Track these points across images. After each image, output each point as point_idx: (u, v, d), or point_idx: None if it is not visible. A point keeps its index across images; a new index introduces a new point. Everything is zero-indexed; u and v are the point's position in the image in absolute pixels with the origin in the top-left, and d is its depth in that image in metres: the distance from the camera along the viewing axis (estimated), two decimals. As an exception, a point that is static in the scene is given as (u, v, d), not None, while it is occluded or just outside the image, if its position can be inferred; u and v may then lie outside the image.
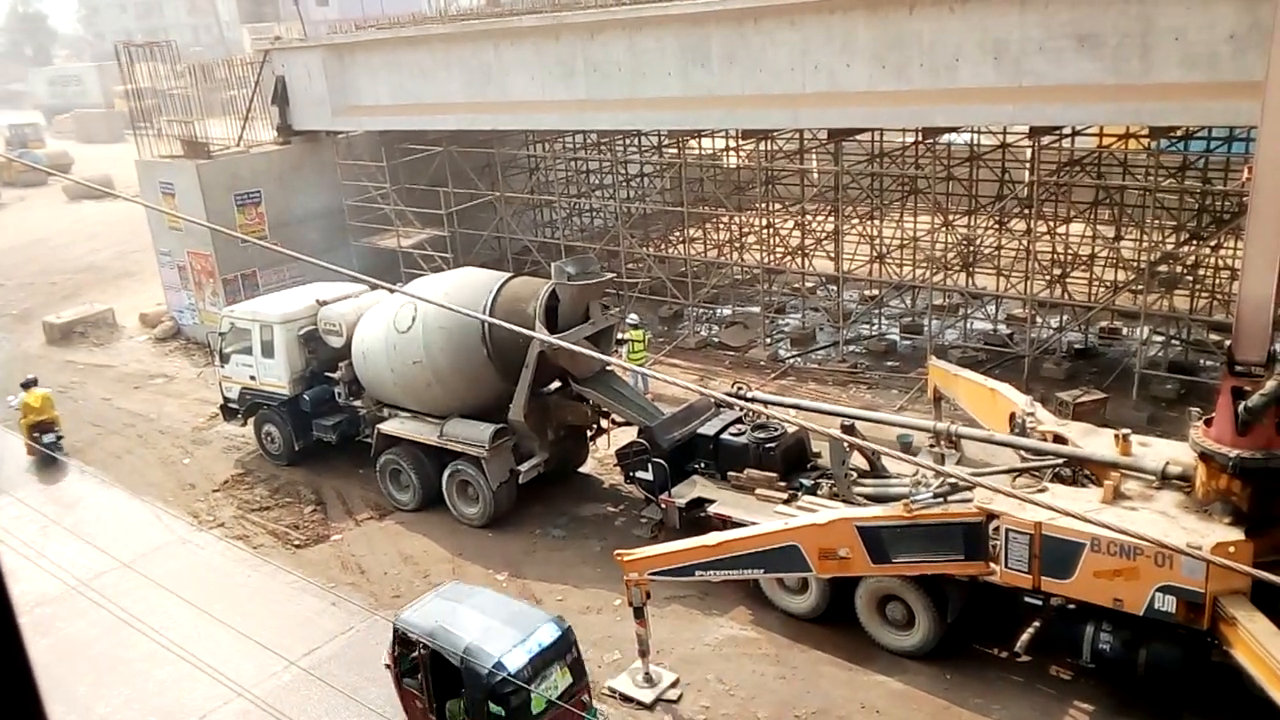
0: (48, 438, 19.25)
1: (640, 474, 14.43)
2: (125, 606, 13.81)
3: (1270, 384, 9.49)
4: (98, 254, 36.27)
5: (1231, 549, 9.41)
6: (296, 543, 16.17)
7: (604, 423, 16.77)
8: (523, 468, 15.82)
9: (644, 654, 11.74)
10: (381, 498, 17.10)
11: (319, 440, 18.34)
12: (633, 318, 20.25)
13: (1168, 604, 9.68)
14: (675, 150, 25.71)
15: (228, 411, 19.38)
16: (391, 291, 16.40)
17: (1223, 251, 19.89)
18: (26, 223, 42.22)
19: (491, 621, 10.15)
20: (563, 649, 10.09)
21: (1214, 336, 18.91)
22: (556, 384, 16.65)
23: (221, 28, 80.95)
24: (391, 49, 24.00)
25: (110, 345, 27.15)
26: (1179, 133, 19.01)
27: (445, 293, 15.84)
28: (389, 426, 16.76)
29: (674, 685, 11.84)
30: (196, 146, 24.67)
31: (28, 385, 19.68)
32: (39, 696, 1.41)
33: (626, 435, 15.56)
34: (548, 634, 10.04)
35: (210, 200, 23.95)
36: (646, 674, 11.81)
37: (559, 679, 10.03)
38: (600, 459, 17.43)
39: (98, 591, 14.31)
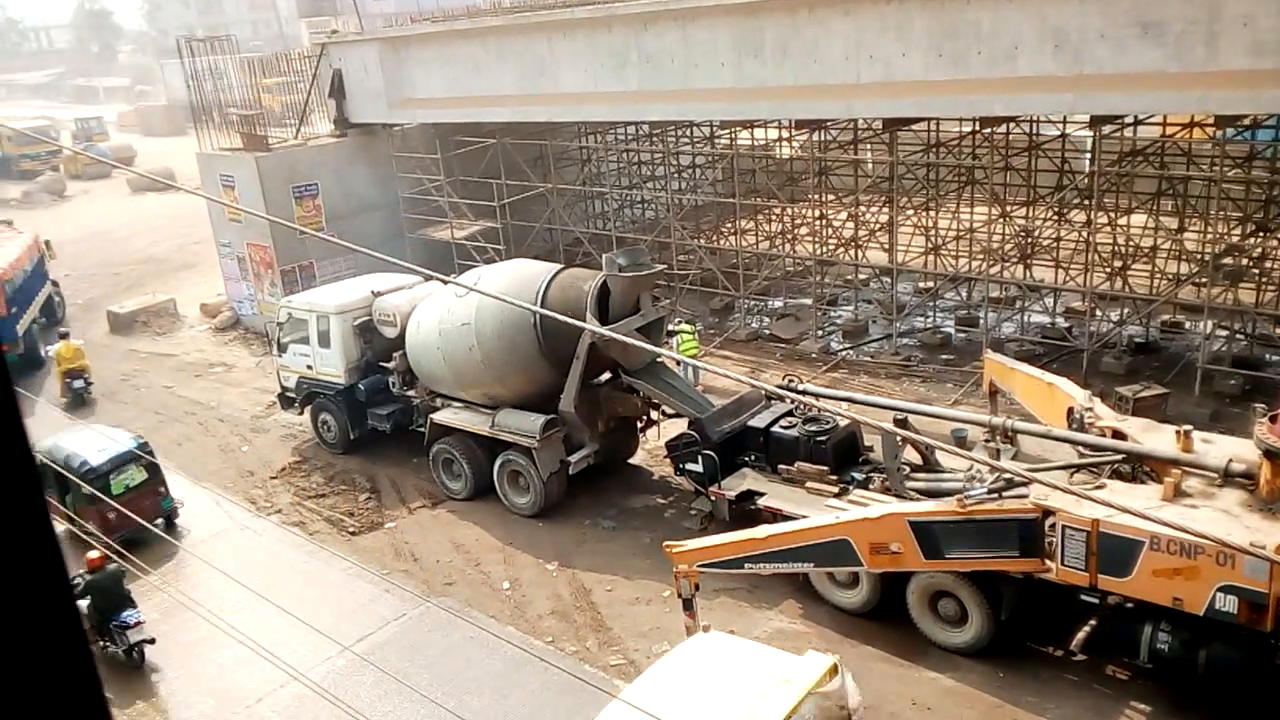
0: (77, 383, 22.45)
1: (690, 466, 14.42)
2: (184, 590, 14.13)
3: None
4: (159, 245, 37.02)
5: (1297, 549, 9.17)
6: (351, 530, 16.41)
7: (654, 414, 16.78)
8: (573, 458, 15.89)
9: (693, 645, 11.73)
10: (434, 486, 17.28)
11: (374, 429, 18.58)
12: (685, 326, 20.08)
13: (1229, 604, 9.46)
14: (727, 141, 25.61)
15: (285, 400, 19.70)
16: (445, 283, 16.69)
17: (1291, 244, 19.37)
18: (90, 215, 43.22)
19: (91, 443, 15.91)
20: (138, 457, 15.92)
21: (1280, 331, 18.42)
22: (607, 375, 16.68)
23: (280, 22, 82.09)
24: (446, 42, 24.16)
25: (172, 334, 27.72)
26: (1246, 122, 18.50)
27: (498, 284, 15.94)
28: (442, 416, 16.93)
29: (723, 677, 11.81)
30: (256, 139, 25.05)
31: (63, 337, 23.39)
32: (99, 679, 1.45)
33: (677, 427, 15.55)
34: (124, 444, 16.06)
35: (269, 192, 24.32)
36: (695, 666, 11.80)
37: (135, 474, 15.86)
38: (650, 450, 17.44)
39: (158, 575, 14.66)
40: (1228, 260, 19.53)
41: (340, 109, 26.11)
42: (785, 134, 25.43)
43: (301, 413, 19.62)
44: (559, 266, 16.39)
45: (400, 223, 26.49)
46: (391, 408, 18.27)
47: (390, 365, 17.86)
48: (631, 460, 17.60)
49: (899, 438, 12.65)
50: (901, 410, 13.66)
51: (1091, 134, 18.43)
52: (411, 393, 17.86)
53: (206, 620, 12.57)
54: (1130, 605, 10.36)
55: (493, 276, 16.61)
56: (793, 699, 7.63)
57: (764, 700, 7.70)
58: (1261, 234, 19.45)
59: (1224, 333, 18.95)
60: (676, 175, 26.84)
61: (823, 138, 23.67)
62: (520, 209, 25.86)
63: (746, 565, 12.12)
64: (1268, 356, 18.57)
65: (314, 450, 19.45)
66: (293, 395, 19.43)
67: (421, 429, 17.50)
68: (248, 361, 24.96)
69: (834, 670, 8.33)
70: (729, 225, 27.03)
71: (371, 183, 26.22)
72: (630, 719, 7.38)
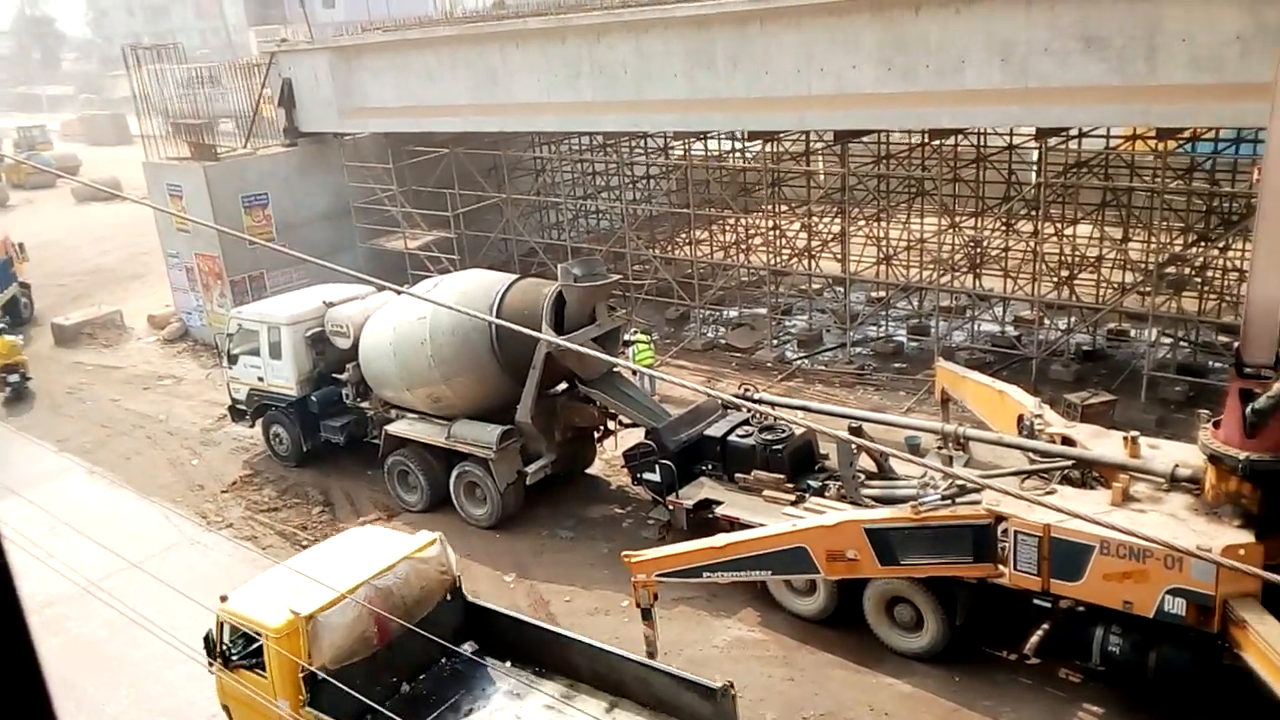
0: (13, 378, 22.85)
1: (647, 475, 14.43)
2: (135, 606, 13.82)
3: (1278, 386, 9.47)
4: (106, 256, 36.36)
5: (1241, 551, 9.38)
6: (305, 543, 16.16)
7: (611, 424, 16.78)
8: (530, 469, 15.83)
9: (652, 656, 11.68)
10: (389, 499, 17.13)
11: (327, 441, 18.39)
12: (641, 336, 20.12)
13: (1178, 607, 9.65)
14: (681, 152, 25.73)
15: (236, 413, 19.44)
16: (399, 293, 16.58)
17: (1231, 253, 19.86)
18: (34, 225, 42.25)
19: None
20: None
21: (1223, 338, 18.86)
22: (564, 385, 16.65)
23: (229, 31, 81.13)
24: (397, 51, 24.04)
25: (119, 347, 27.23)
26: (1186, 134, 18.97)
27: (452, 294, 15.86)
28: (397, 428, 16.79)
29: (682, 687, 11.82)
30: (204, 149, 24.73)
31: None
32: (49, 696, 1.42)
33: (634, 437, 15.57)
34: None
35: (218, 202, 24.03)
36: (654, 676, 11.79)
37: None
38: (608, 460, 17.43)
39: (107, 592, 14.33)
40: (1171, 269, 19.98)
41: (290, 118, 25.86)
42: (738, 145, 25.62)
43: (253, 425, 19.35)
44: (514, 277, 16.34)
45: (353, 233, 26.28)
46: (345, 419, 18.08)
47: (343, 377, 17.67)
48: (589, 470, 17.57)
49: (854, 445, 12.76)
50: (856, 418, 13.80)
51: (1038, 146, 18.78)
52: (365, 404, 17.70)
53: (157, 636, 12.31)
54: (1082, 609, 10.53)
55: (448, 287, 16.53)
56: (392, 559, 10.43)
57: (373, 560, 10.42)
58: (1203, 243, 19.92)
59: (1168, 340, 19.39)
60: (631, 186, 26.92)
61: (775, 149, 23.88)
62: (474, 219, 25.77)
63: (705, 574, 12.14)
64: (1211, 363, 19.01)
65: (266, 463, 19.18)
66: (244, 407, 19.16)
67: (376, 441, 17.34)
68: (197, 374, 24.58)
69: (435, 543, 10.85)
70: (684, 235, 27.15)
71: (323, 192, 26.00)
72: (285, 577, 10.42)
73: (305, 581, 9.79)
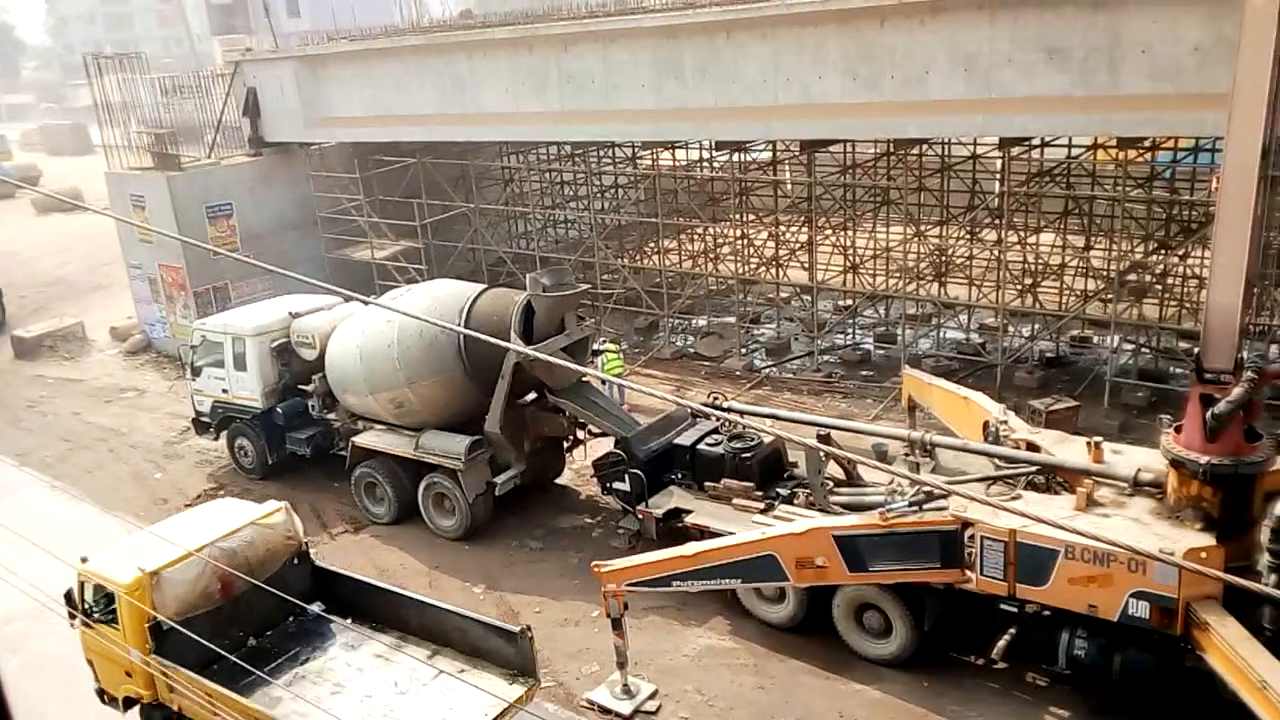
0: None
1: (617, 485, 14.42)
2: (96, 624, 13.59)
3: (1237, 391, 9.63)
4: (67, 267, 35.87)
5: (1203, 554, 9.53)
6: (270, 557, 16.00)
7: (580, 434, 16.74)
8: (499, 480, 15.76)
9: (622, 665, 11.72)
10: (356, 511, 16.99)
11: (293, 454, 18.21)
12: (610, 345, 20.14)
13: (1141, 610, 9.78)
14: (649, 162, 25.79)
15: (200, 425, 19.22)
16: (366, 303, 16.47)
17: (1190, 260, 20.17)
18: (-7, 236, 41.63)
19: None
20: None
21: (1183, 344, 19.14)
22: (532, 395, 16.61)
23: (192, 40, 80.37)
24: (364, 61, 23.94)
25: (80, 359, 26.86)
26: (1147, 144, 19.27)
27: (420, 304, 15.79)
28: (364, 439, 16.66)
29: (652, 697, 11.82)
30: (167, 159, 24.49)
31: None
32: (10, 714, 1.41)
33: (603, 446, 15.55)
34: None
35: (181, 212, 23.79)
36: (625, 686, 11.79)
37: None
38: (577, 470, 17.39)
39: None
40: (1132, 277, 20.26)
41: (255, 128, 25.68)
42: (706, 154, 25.71)
43: (217, 438, 19.14)
44: (483, 287, 16.30)
45: (319, 243, 26.09)
46: (311, 431, 17.92)
47: (309, 388, 17.53)
48: (558, 480, 17.52)
49: (822, 453, 12.83)
50: (824, 426, 13.87)
51: (1001, 155, 19.01)
52: (332, 416, 17.56)
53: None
54: (1047, 613, 10.64)
55: (416, 297, 16.45)
56: (238, 523, 11.69)
57: (223, 524, 11.69)
58: (1163, 251, 20.22)
59: (1130, 347, 19.65)
60: (599, 195, 26.93)
61: (743, 158, 24.00)
62: (442, 229, 25.68)
63: (675, 583, 12.16)
64: (1172, 369, 19.28)
65: (230, 476, 18.97)
66: (208, 420, 18.95)
67: (342, 453, 17.20)
68: (160, 386, 24.29)
69: (280, 511, 12.09)
70: (652, 245, 27.18)
71: (288, 202, 25.81)
72: (142, 540, 11.69)
73: (159, 543, 11.08)
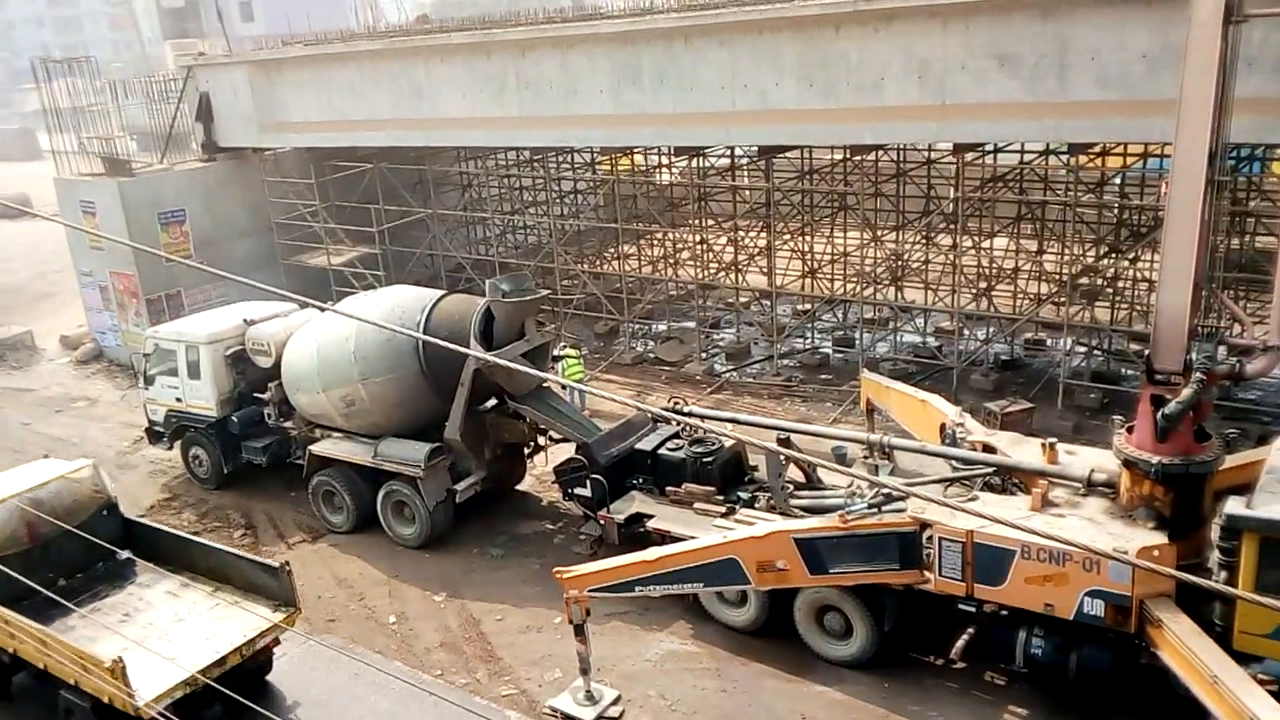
0: None
1: (578, 490, 14.38)
2: (47, 639, 13.31)
3: (1186, 392, 9.81)
4: (16, 275, 35.19)
5: (1156, 553, 9.69)
6: (227, 568, 15.78)
7: (541, 440, 16.70)
8: (459, 487, 15.67)
9: (585, 672, 11.69)
10: (314, 520, 16.80)
11: (249, 463, 17.99)
12: (570, 350, 20.13)
13: (1096, 608, 9.93)
14: (608, 167, 25.80)
15: (153, 435, 18.93)
16: (323, 310, 16.26)
17: (1140, 264, 20.53)
18: (-63, 243, 40.72)
19: None
20: None
21: (1134, 346, 19.48)
22: (493, 402, 16.54)
23: (143, 44, 79.22)
24: (319, 65, 23.73)
25: (29, 368, 26.36)
26: (1097, 149, 19.60)
27: (378, 311, 15.66)
28: (321, 447, 16.49)
29: (615, 703, 11.81)
30: (118, 164, 24.11)
31: None
32: None
33: (564, 452, 15.51)
34: None
35: (133, 219, 23.47)
36: (588, 692, 11.76)
37: None
38: (538, 476, 17.34)
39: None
40: (1084, 280, 20.58)
41: (208, 132, 25.38)
42: (665, 160, 25.77)
43: (171, 447, 18.85)
44: (442, 293, 16.20)
45: (274, 249, 25.82)
46: (267, 440, 17.70)
47: (265, 396, 17.31)
48: (519, 486, 17.45)
49: (782, 457, 12.90)
50: (784, 430, 13.95)
51: (955, 161, 19.24)
52: (288, 424, 17.35)
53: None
54: (1005, 613, 10.78)
55: (374, 303, 16.31)
56: (45, 477, 13.27)
57: (32, 478, 13.21)
58: (1114, 255, 20.58)
59: (1083, 349, 19.98)
60: (559, 201, 26.89)
61: (702, 164, 24.09)
62: (400, 234, 25.51)
63: (637, 588, 12.15)
64: (1123, 371, 19.62)
65: (185, 486, 18.69)
66: (161, 429, 18.67)
67: (299, 461, 17.00)
68: (112, 395, 23.90)
69: (88, 468, 13.67)
70: (612, 250, 27.20)
71: (243, 208, 25.53)
72: None
73: None
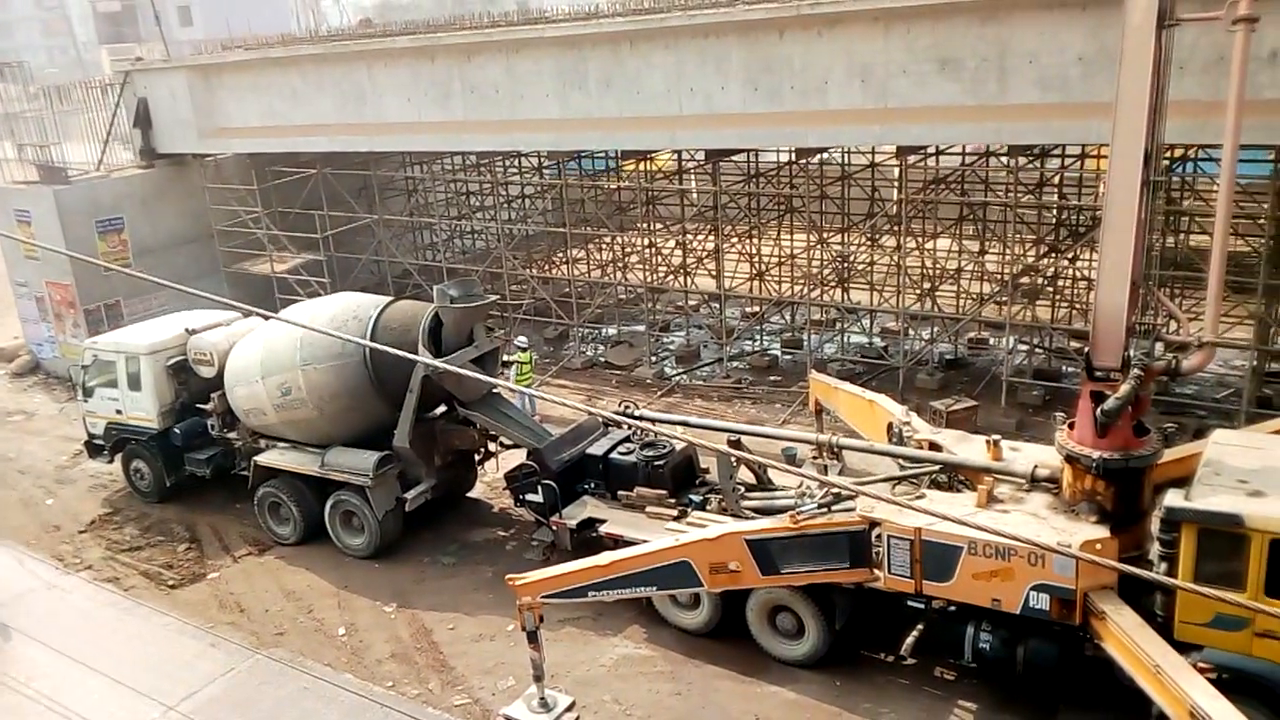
0: None
1: (530, 496, 14.32)
2: (-16, 659, 13.03)
3: (1124, 388, 10.01)
4: (-56, 286, 34.17)
5: (1099, 546, 9.89)
6: (171, 583, 15.51)
7: (492, 446, 16.61)
8: (409, 495, 15.52)
9: (539, 679, 11.58)
10: (260, 532, 16.55)
11: (192, 475, 17.68)
12: (521, 340, 20.17)
13: (1042, 602, 10.10)
14: (556, 171, 25.74)
15: (93, 448, 18.53)
16: (266, 318, 16.09)
17: (1079, 263, 20.93)
18: None
19: None
20: None
21: (1074, 344, 19.84)
22: (442, 408, 16.41)
23: (78, 49, 77.56)
24: (260, 70, 23.41)
25: (-39, 382, 25.62)
26: (1036, 151, 19.96)
27: (325, 318, 15.47)
28: (267, 458, 16.25)
29: (570, 709, 11.70)
30: (53, 171, 23.58)
31: None
32: None
33: (515, 458, 15.42)
34: None
35: (69, 227, 22.97)
36: (542, 699, 11.65)
37: None
38: (489, 483, 17.24)
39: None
40: (1025, 280, 20.94)
41: (147, 139, 24.92)
42: (613, 164, 25.77)
43: (111, 461, 18.46)
44: (389, 299, 16.05)
45: (216, 257, 25.42)
46: (211, 451, 17.40)
47: (208, 407, 17.01)
48: (470, 494, 17.34)
49: (733, 458, 12.96)
50: (734, 432, 14.02)
51: (898, 163, 19.48)
52: (232, 435, 17.06)
53: (14, 689, 11.62)
54: (953, 608, 10.91)
55: (320, 310, 16.11)
56: None
57: None
58: (1054, 255, 20.97)
59: (1024, 347, 20.33)
60: (506, 205, 26.78)
61: (649, 168, 24.12)
62: (345, 241, 25.24)
63: (590, 593, 12.12)
64: (1064, 368, 19.99)
65: (127, 500, 18.31)
66: (101, 442, 18.28)
67: (244, 473, 16.72)
68: (50, 408, 23.36)
69: None
70: (560, 254, 27.15)
71: (183, 216, 25.09)
72: None
73: None
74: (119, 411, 17.74)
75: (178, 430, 17.36)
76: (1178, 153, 18.23)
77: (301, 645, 13.63)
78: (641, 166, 23.48)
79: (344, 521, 15.75)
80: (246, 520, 16.90)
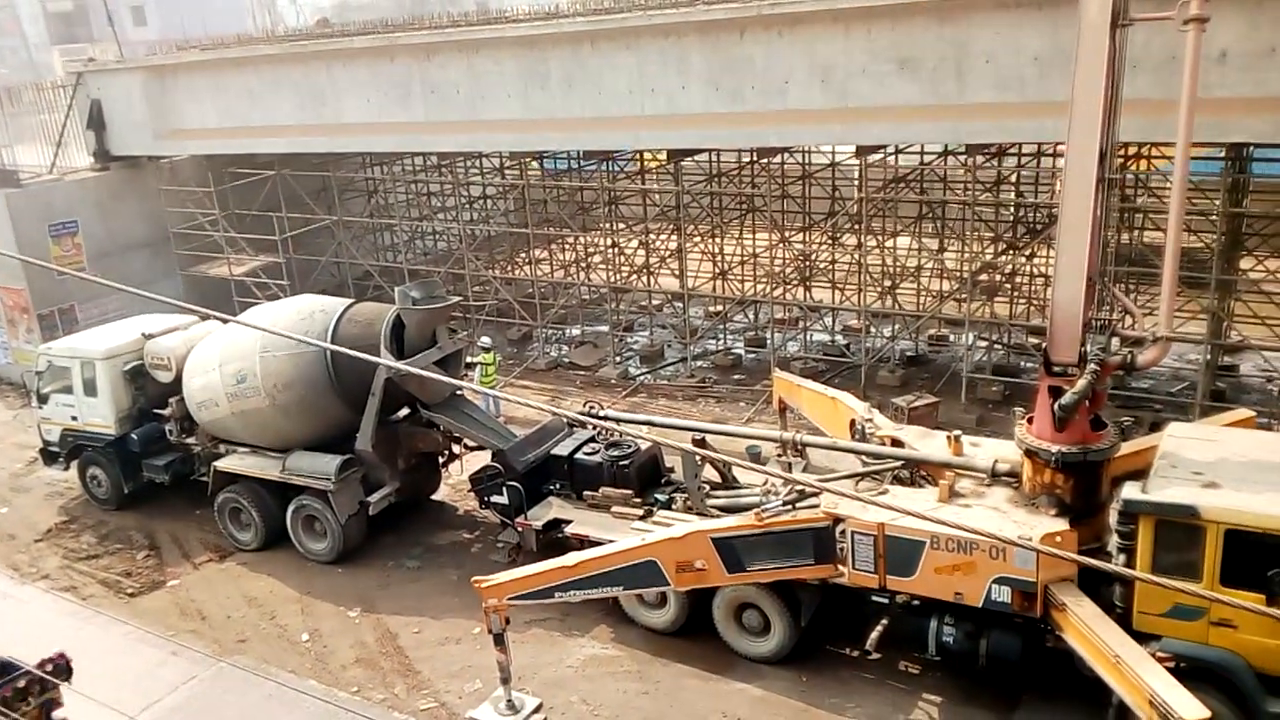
0: None
1: (495, 498, 14.27)
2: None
3: (1081, 382, 10.16)
4: (-108, 292, 33.40)
5: (1058, 538, 10.02)
6: (130, 591, 15.29)
7: (456, 448, 16.53)
8: (372, 499, 15.39)
9: (506, 681, 11.58)
10: (221, 538, 16.35)
11: (150, 482, 17.44)
12: (485, 340, 20.09)
13: (1003, 595, 10.22)
14: (518, 172, 25.66)
15: (48, 455, 18.24)
16: (225, 322, 15.88)
17: (1037, 260, 21.17)
18: None
19: None
20: None
21: (1032, 340, 20.09)
22: (405, 411, 16.30)
23: (30, 50, 76.04)
24: (216, 70, 23.13)
25: (-90, 390, 25.06)
26: (993, 149, 20.18)
27: (285, 321, 15.31)
28: (227, 463, 16.06)
29: (538, 710, 11.71)
30: (4, 174, 23.13)
31: None
32: None
33: (479, 460, 15.35)
34: None
35: (21, 231, 22.54)
36: (509, 701, 11.65)
37: None
38: (453, 485, 17.15)
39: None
40: (983, 277, 21.16)
41: (100, 140, 24.52)
42: (575, 164, 25.73)
43: (68, 468, 18.17)
44: (349, 301, 15.93)
45: (172, 260, 25.08)
46: (169, 457, 17.18)
47: (166, 412, 16.78)
48: (434, 496, 17.24)
49: (698, 457, 12.99)
50: (699, 430, 14.04)
51: (858, 163, 19.62)
52: (191, 440, 16.83)
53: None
54: (917, 603, 11.01)
55: (279, 313, 15.94)
56: None
57: None
58: (1011, 252, 21.20)
59: (984, 344, 20.56)
60: (468, 206, 26.65)
61: (611, 168, 24.10)
62: (304, 243, 24.99)
63: (557, 594, 12.10)
64: (1023, 364, 20.24)
65: (84, 508, 18.03)
66: (57, 449, 17.98)
67: (204, 478, 16.51)
68: (3, 415, 22.95)
69: None
70: (523, 255, 27.06)
71: (139, 219, 24.73)
72: None
73: None
74: (75, 418, 17.45)
75: (135, 436, 17.11)
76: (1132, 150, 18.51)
77: (265, 652, 13.49)
78: (603, 167, 23.41)
79: (306, 526, 15.60)
80: (207, 526, 16.69)
